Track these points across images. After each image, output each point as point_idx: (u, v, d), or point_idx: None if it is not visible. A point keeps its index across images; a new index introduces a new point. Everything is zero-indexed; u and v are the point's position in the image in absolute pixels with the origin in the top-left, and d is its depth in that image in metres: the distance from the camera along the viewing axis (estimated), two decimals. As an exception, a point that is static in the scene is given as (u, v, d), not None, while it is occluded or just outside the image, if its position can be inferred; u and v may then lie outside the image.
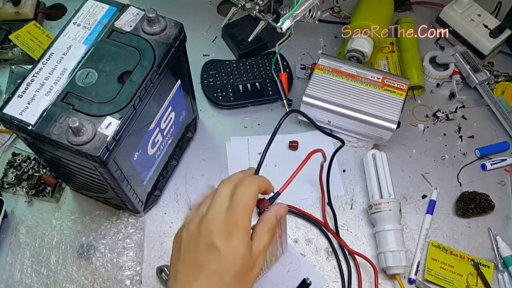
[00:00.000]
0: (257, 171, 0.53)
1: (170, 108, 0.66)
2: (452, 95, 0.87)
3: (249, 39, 0.82)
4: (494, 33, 0.88)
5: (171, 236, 0.72)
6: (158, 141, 0.67)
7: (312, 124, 0.67)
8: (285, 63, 0.87)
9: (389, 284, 0.70)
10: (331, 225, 0.74)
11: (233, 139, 0.82)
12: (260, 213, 0.51)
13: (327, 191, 0.75)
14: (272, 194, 0.52)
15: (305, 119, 0.80)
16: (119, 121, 0.52)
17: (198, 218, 0.46)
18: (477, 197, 0.75)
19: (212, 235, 0.43)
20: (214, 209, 0.45)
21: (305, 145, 0.80)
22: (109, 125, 0.52)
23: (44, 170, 0.76)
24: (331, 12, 0.97)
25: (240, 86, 0.84)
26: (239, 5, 0.81)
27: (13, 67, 0.85)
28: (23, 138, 0.57)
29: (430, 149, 0.82)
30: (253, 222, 0.51)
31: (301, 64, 0.89)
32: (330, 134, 0.71)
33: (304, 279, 0.68)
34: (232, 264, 0.43)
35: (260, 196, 0.52)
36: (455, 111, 0.87)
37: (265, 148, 0.53)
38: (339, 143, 0.74)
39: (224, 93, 0.83)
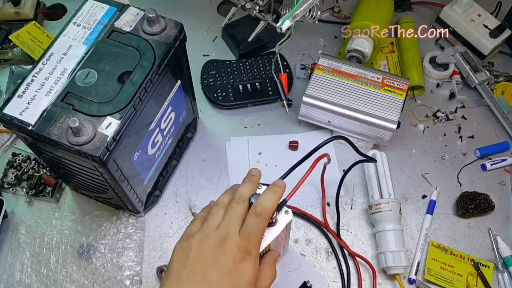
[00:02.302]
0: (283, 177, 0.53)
1: (170, 108, 0.66)
2: (452, 95, 0.87)
3: (249, 39, 0.82)
4: (494, 33, 0.88)
5: (171, 236, 0.72)
6: (158, 141, 0.67)
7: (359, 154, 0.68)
8: (285, 63, 0.87)
9: (389, 284, 0.70)
10: (332, 225, 0.74)
11: (233, 139, 0.82)
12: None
13: (336, 196, 0.75)
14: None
15: (305, 120, 0.80)
16: (119, 121, 0.52)
17: (215, 234, 0.47)
18: (477, 197, 0.75)
19: (226, 255, 0.45)
20: (231, 231, 0.47)
21: (305, 145, 0.80)
22: (109, 125, 0.52)
23: (44, 170, 0.76)
24: (331, 12, 0.97)
25: (240, 86, 0.84)
26: (239, 5, 0.81)
27: (13, 67, 0.85)
28: (23, 138, 0.57)
29: (430, 149, 0.82)
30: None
31: (301, 64, 0.89)
32: (365, 155, 0.70)
33: (305, 282, 0.68)
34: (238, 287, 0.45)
35: None
36: (455, 111, 0.86)
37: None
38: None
39: (224, 93, 0.83)
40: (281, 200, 0.51)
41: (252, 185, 0.51)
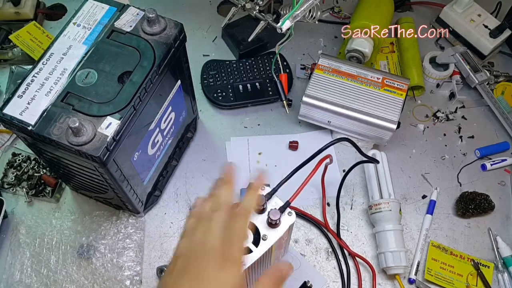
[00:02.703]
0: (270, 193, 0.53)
1: (170, 108, 0.66)
2: (452, 95, 0.87)
3: (249, 39, 0.82)
4: (494, 33, 0.88)
5: (171, 236, 0.72)
6: (158, 141, 0.67)
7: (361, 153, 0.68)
8: (285, 63, 0.87)
9: (389, 284, 0.70)
10: (332, 225, 0.74)
11: (233, 139, 0.82)
12: (270, 224, 0.51)
13: (337, 196, 0.75)
14: (281, 203, 0.52)
15: (305, 120, 0.80)
16: (119, 121, 0.52)
17: (195, 249, 0.45)
18: (477, 197, 0.75)
19: (206, 267, 0.43)
20: (209, 241, 0.44)
21: (305, 145, 0.80)
22: (109, 125, 0.52)
23: (44, 170, 0.76)
24: (331, 12, 0.97)
25: (240, 86, 0.84)
26: (239, 5, 0.81)
27: (13, 67, 0.85)
28: (23, 138, 0.57)
29: (430, 149, 0.82)
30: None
31: (301, 64, 0.89)
32: (368, 156, 0.70)
33: (305, 282, 0.68)
34: None
35: (270, 207, 0.52)
36: (455, 111, 0.86)
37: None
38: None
39: (224, 93, 0.83)
40: (284, 202, 0.51)
41: (226, 186, 0.49)
